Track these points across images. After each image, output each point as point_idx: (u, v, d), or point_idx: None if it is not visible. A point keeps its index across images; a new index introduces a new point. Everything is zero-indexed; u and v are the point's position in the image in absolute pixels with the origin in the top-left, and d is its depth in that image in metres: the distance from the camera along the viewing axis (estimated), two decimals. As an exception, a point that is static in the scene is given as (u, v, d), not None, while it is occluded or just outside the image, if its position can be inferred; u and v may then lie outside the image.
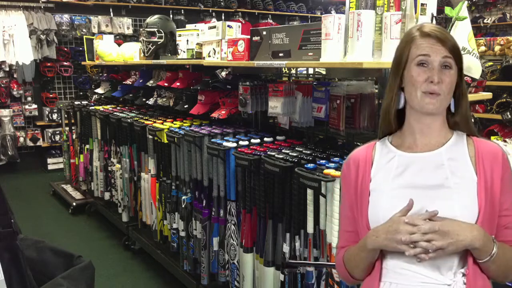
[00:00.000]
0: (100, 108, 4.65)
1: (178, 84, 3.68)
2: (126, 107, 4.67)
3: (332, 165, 2.11)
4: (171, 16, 7.64)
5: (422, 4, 2.04)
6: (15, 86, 6.92)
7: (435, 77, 1.25)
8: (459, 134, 1.36)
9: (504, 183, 1.29)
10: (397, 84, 1.34)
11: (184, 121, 3.55)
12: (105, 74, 5.61)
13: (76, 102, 5.31)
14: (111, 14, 7.46)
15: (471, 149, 1.33)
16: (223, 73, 3.30)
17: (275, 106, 2.65)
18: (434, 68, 1.26)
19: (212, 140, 2.85)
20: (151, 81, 4.21)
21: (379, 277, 1.33)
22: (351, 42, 2.07)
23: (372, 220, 1.33)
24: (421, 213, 1.23)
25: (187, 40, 3.70)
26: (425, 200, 1.26)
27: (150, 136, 3.56)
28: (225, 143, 2.72)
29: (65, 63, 7.23)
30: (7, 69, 6.82)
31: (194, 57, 3.59)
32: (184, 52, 3.74)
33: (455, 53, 1.28)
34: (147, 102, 4.29)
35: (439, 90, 1.26)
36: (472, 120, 1.41)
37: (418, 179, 1.30)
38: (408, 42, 1.31)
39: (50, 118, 7.24)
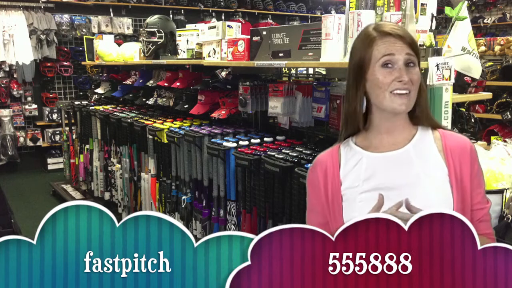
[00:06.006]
0: (100, 108, 4.65)
1: (178, 84, 3.68)
2: (126, 107, 4.67)
3: (332, 165, 2.10)
4: (171, 16, 7.63)
5: (422, 4, 2.04)
6: (15, 86, 6.91)
7: (404, 77, 1.23)
8: (423, 129, 1.34)
9: (473, 177, 1.28)
10: (361, 88, 1.30)
11: (184, 121, 3.55)
12: (105, 74, 5.61)
13: (76, 102, 5.31)
14: (111, 14, 7.45)
15: (439, 143, 1.31)
16: (223, 73, 3.30)
17: (275, 106, 2.65)
18: (400, 68, 1.24)
19: (212, 140, 2.86)
20: (151, 81, 4.21)
21: None
22: (351, 42, 2.07)
23: None
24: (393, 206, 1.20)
25: (187, 40, 3.70)
26: (400, 200, 1.23)
27: (150, 136, 3.55)
28: (225, 143, 2.72)
29: (65, 63, 7.22)
30: (7, 69, 6.80)
31: (194, 57, 3.59)
32: (184, 52, 3.74)
33: (415, 49, 1.27)
34: (147, 102, 4.29)
35: (410, 89, 1.24)
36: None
37: (389, 180, 1.27)
38: (369, 43, 1.27)
39: (50, 118, 7.23)
